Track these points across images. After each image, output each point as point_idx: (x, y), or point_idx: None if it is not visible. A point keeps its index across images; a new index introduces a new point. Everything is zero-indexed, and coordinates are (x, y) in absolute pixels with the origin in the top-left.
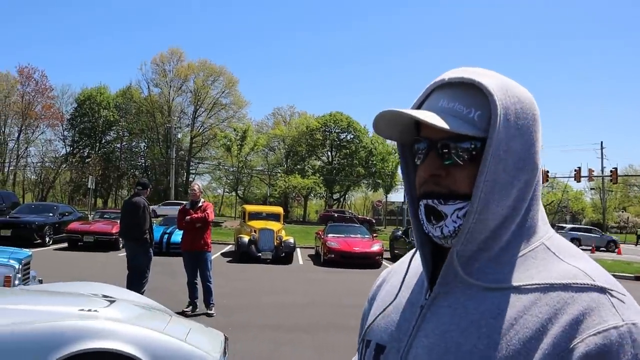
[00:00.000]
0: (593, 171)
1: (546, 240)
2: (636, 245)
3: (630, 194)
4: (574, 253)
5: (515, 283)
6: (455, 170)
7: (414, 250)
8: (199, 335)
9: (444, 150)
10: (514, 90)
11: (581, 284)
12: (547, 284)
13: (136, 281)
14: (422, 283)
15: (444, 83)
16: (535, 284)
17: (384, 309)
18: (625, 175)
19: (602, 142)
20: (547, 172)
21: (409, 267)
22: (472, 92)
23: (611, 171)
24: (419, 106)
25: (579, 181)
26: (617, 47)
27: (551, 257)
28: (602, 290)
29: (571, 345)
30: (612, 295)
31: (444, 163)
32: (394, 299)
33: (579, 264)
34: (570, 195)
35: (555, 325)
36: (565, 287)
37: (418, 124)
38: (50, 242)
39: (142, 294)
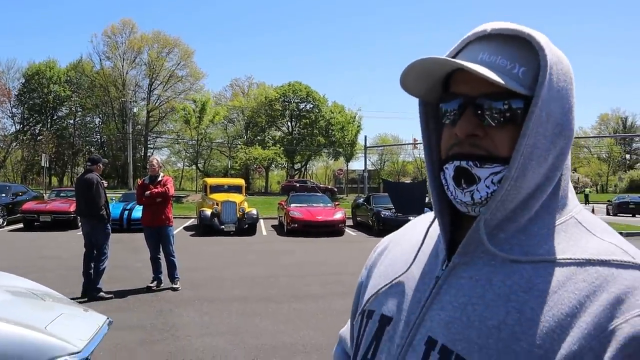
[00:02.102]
0: None
1: (576, 214)
2: (585, 204)
3: (580, 155)
4: (606, 228)
5: (547, 256)
6: (493, 131)
7: (427, 221)
8: (68, 322)
9: (482, 109)
10: (556, 51)
11: (621, 261)
12: (583, 259)
13: (96, 258)
14: (437, 253)
15: (485, 34)
16: (570, 259)
17: (393, 279)
18: (576, 138)
19: None
20: None
21: (425, 237)
22: (516, 46)
23: None
24: (453, 57)
25: None
26: (564, 11)
27: (583, 232)
28: None
29: (613, 326)
30: None
31: (482, 122)
32: (406, 270)
33: (613, 239)
34: None
35: (594, 303)
36: (603, 263)
37: (447, 80)
38: (4, 224)
39: (102, 271)
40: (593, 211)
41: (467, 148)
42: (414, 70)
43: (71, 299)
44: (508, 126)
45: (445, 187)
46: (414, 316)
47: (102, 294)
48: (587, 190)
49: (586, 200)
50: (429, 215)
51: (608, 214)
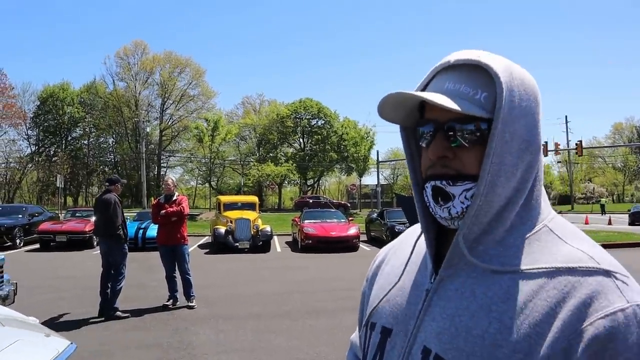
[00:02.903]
0: (559, 145)
1: (549, 222)
2: (602, 214)
3: (594, 165)
4: (577, 235)
5: (521, 267)
6: (462, 152)
7: (418, 232)
8: (23, 349)
9: (451, 132)
10: (518, 73)
11: (586, 268)
12: (553, 267)
13: (113, 278)
14: (426, 265)
15: (449, 65)
16: (542, 268)
17: (388, 291)
18: (590, 147)
19: (566, 117)
20: None
21: (414, 249)
22: (477, 74)
23: (576, 144)
24: (423, 89)
25: (545, 155)
26: (576, 24)
27: (555, 240)
28: (607, 273)
29: (581, 328)
30: (616, 278)
31: (451, 145)
32: (398, 281)
33: (582, 246)
34: None
35: (564, 308)
36: (571, 271)
37: (422, 106)
38: (22, 244)
39: (118, 290)
40: (610, 222)
41: (439, 169)
42: (389, 102)
43: (87, 318)
44: (476, 147)
45: (427, 204)
46: (410, 327)
47: (118, 313)
48: (602, 200)
49: (602, 211)
50: (419, 227)
51: (631, 224)
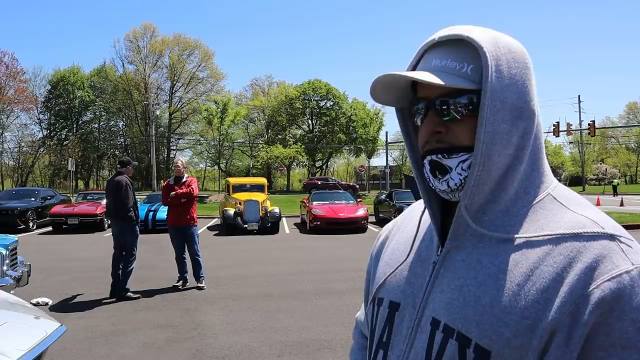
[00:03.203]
0: (571, 125)
1: (552, 190)
2: (614, 196)
3: (607, 145)
4: (580, 202)
5: (527, 234)
6: (455, 125)
7: (422, 207)
8: (10, 331)
9: (442, 107)
10: (504, 42)
11: (591, 232)
12: (558, 234)
13: (124, 259)
14: (431, 238)
15: (435, 42)
16: (547, 235)
17: (396, 268)
18: (603, 128)
19: (579, 96)
20: None
21: (420, 224)
22: (463, 48)
23: (589, 124)
24: (413, 68)
25: (557, 135)
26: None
27: (559, 207)
28: (611, 237)
29: (587, 292)
30: (620, 242)
31: (443, 119)
32: (406, 257)
33: (586, 212)
34: (550, 150)
35: (570, 273)
36: (576, 237)
37: (415, 86)
38: (34, 227)
39: (129, 272)
40: (622, 203)
41: (434, 144)
42: (379, 85)
43: (99, 299)
44: (468, 119)
45: (427, 180)
46: (418, 300)
47: (129, 294)
48: (615, 181)
49: (614, 192)
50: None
51: None
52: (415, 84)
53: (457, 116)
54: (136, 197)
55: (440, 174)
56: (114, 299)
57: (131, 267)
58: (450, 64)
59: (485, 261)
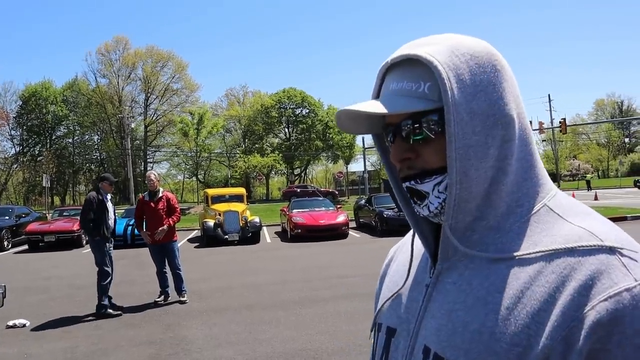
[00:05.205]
0: (543, 123)
1: (548, 200)
2: (588, 190)
3: (579, 142)
4: (580, 211)
5: (519, 252)
6: (424, 148)
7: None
8: None
9: (407, 132)
10: (464, 47)
11: (587, 246)
12: (551, 250)
13: (97, 276)
14: (427, 261)
15: (390, 65)
16: (541, 251)
17: (396, 292)
18: (574, 125)
19: (549, 95)
20: None
21: (413, 247)
22: (418, 66)
23: (560, 122)
24: (377, 93)
25: None
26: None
27: (555, 219)
28: (611, 250)
29: (581, 314)
30: (622, 255)
31: (411, 143)
32: (405, 280)
33: (584, 223)
34: None
35: (563, 293)
36: (570, 252)
37: None
38: (9, 246)
39: (103, 288)
40: (596, 198)
41: (406, 171)
42: (343, 116)
43: (79, 317)
44: (439, 138)
45: (412, 205)
46: (412, 326)
47: (110, 310)
48: (588, 176)
49: (588, 187)
50: None
51: None
52: None
53: (423, 139)
54: (109, 212)
55: (419, 200)
56: (94, 318)
57: (104, 284)
58: (407, 86)
59: (475, 283)
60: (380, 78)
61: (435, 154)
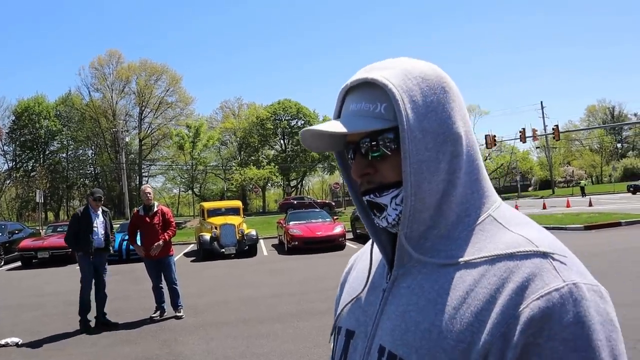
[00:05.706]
0: (536, 131)
1: (493, 211)
2: (582, 196)
3: (572, 148)
4: (519, 221)
5: (466, 257)
6: (382, 163)
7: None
8: None
9: (366, 149)
10: (417, 71)
11: (524, 251)
12: (494, 255)
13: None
14: (384, 267)
15: (350, 87)
16: (484, 256)
17: (355, 296)
18: (567, 131)
19: (542, 102)
20: (494, 136)
21: (372, 256)
22: (375, 88)
23: (553, 129)
24: (338, 112)
25: (524, 142)
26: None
27: (498, 228)
28: (544, 255)
29: (517, 312)
30: (553, 259)
31: (369, 161)
32: (365, 286)
33: (522, 231)
34: (518, 156)
35: (502, 294)
36: (510, 257)
37: None
38: (2, 263)
39: (81, 301)
40: (590, 204)
41: (366, 185)
42: (307, 135)
43: (74, 334)
44: (395, 154)
45: (371, 216)
46: (370, 328)
47: (90, 323)
48: (582, 182)
49: (582, 193)
50: None
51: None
52: None
53: (380, 155)
54: (98, 227)
55: (378, 212)
56: (89, 335)
57: (81, 299)
58: (365, 106)
59: (426, 286)
60: (341, 100)
61: (391, 169)
